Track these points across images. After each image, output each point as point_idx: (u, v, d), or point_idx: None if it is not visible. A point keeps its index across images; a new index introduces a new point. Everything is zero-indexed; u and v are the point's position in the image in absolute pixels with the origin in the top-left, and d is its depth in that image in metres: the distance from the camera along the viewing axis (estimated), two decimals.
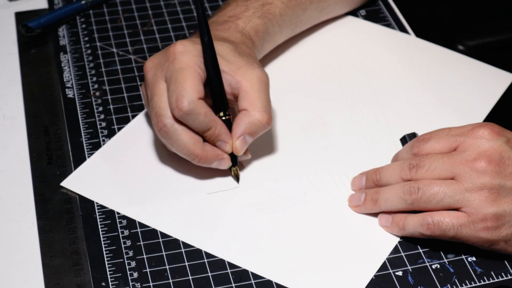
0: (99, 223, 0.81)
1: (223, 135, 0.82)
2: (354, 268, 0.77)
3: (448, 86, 0.97)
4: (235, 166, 0.85)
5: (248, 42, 0.89)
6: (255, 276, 0.77)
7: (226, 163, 0.84)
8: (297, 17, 0.96)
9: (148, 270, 0.77)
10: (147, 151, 0.87)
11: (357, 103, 0.94)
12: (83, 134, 0.90)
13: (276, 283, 0.76)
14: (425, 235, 0.78)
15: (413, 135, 0.86)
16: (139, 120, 0.91)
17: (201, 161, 0.82)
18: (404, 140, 0.87)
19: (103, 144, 0.89)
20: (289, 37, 0.99)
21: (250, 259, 0.78)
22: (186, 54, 0.82)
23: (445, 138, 0.79)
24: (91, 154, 0.88)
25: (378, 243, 0.80)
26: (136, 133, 0.90)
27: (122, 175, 0.86)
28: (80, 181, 0.85)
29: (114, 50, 1.02)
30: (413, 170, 0.79)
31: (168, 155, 0.86)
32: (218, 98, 0.83)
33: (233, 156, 0.84)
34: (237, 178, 0.85)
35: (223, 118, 0.83)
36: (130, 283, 0.76)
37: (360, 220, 0.82)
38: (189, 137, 0.81)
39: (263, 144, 0.89)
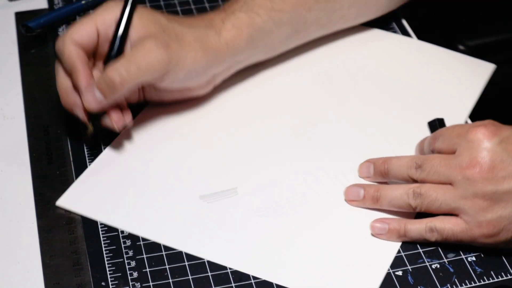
0: (99, 223, 0.81)
1: (79, 85, 0.83)
2: (366, 268, 0.77)
3: (448, 86, 0.97)
4: (91, 121, 0.84)
5: (212, 34, 0.88)
6: (255, 276, 0.77)
7: (79, 112, 0.84)
8: (299, 16, 0.94)
9: (148, 269, 0.77)
10: (142, 161, 0.86)
11: (356, 104, 0.94)
12: (83, 134, 0.90)
13: (276, 284, 0.76)
14: (429, 241, 0.79)
15: (441, 121, 0.86)
16: (131, 132, 0.90)
17: (62, 99, 0.84)
18: (433, 125, 0.87)
19: (103, 144, 0.89)
20: (297, 40, 0.97)
21: (253, 265, 0.77)
22: (106, 9, 0.85)
23: (448, 139, 0.80)
24: (91, 154, 0.88)
25: (382, 244, 0.79)
26: (128, 147, 0.88)
27: (118, 189, 0.84)
28: (75, 199, 0.83)
29: None
30: (418, 171, 0.79)
31: (163, 165, 0.85)
32: (108, 50, 0.85)
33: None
34: (88, 136, 0.86)
35: None
36: (130, 283, 0.76)
37: (363, 221, 0.81)
38: (62, 73, 0.85)
39: (261, 146, 0.89)
